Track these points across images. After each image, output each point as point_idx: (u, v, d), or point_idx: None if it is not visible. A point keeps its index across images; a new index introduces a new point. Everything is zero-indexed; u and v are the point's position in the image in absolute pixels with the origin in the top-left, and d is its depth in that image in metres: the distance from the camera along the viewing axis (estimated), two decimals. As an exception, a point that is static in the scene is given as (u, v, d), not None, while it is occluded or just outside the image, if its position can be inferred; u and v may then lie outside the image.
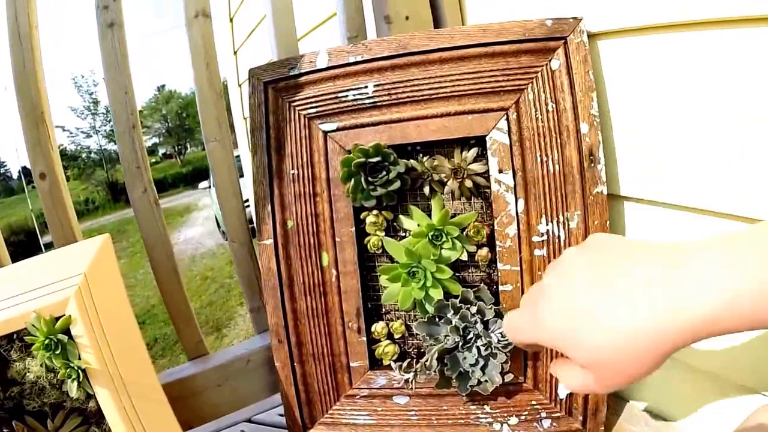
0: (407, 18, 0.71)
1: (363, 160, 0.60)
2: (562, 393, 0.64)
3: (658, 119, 0.58)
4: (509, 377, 0.64)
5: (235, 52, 2.31)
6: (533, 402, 0.65)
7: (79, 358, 0.54)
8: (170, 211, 9.50)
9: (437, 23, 0.74)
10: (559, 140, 0.60)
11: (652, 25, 0.55)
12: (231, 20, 2.31)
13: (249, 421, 0.78)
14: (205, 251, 6.12)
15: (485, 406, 0.65)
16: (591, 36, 0.62)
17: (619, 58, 0.60)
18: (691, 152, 0.56)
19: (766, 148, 0.49)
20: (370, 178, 0.60)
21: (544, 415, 0.65)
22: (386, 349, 0.65)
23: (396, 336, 0.66)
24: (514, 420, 0.65)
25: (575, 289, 0.31)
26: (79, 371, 0.54)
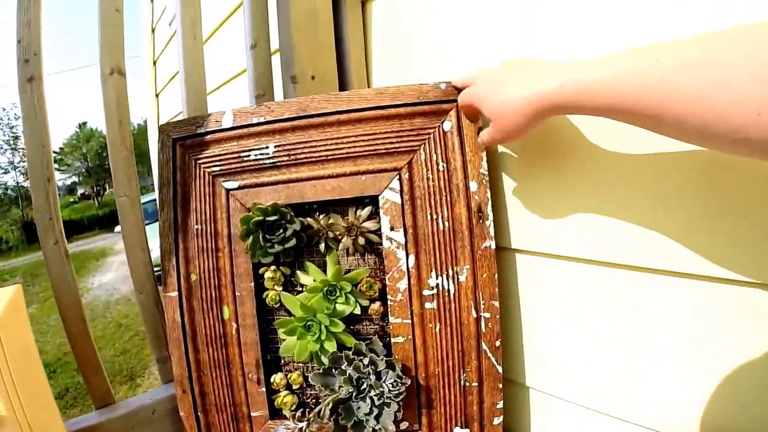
0: (313, 78, 0.75)
1: (261, 218, 0.62)
2: (459, 439, 0.67)
3: (544, 175, 0.62)
4: (404, 425, 0.67)
5: (157, 95, 2.31)
6: (430, 449, 0.67)
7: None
8: (85, 255, 9.25)
9: (343, 84, 0.78)
10: (449, 198, 0.64)
11: None
12: (154, 63, 2.32)
13: (159, 470, 0.78)
14: (119, 297, 5.89)
15: (384, 454, 0.67)
16: (482, 99, 0.67)
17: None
18: (574, 207, 0.60)
19: (641, 203, 0.54)
20: (267, 236, 0.63)
21: (441, 461, 0.67)
22: (285, 399, 0.67)
23: (295, 387, 0.68)
24: (413, 467, 0.67)
25: (497, 77, 0.50)
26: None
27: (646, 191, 0.54)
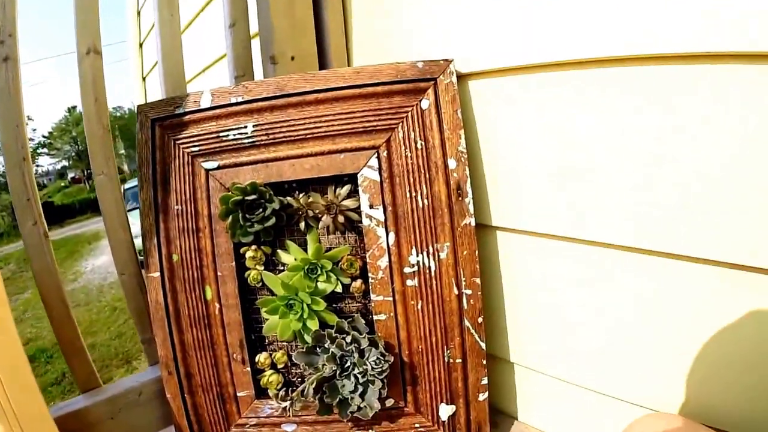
0: (293, 58, 0.74)
1: (240, 197, 0.62)
2: (444, 415, 0.67)
3: (524, 154, 0.62)
4: (390, 402, 0.67)
5: (144, 78, 2.28)
6: (416, 425, 0.68)
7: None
8: (78, 239, 9.09)
9: (323, 64, 0.77)
10: (428, 176, 0.64)
11: (518, 66, 0.60)
12: (141, 46, 2.28)
13: (147, 453, 0.78)
14: (113, 281, 5.83)
15: (370, 431, 0.68)
16: (462, 76, 0.66)
17: (489, 97, 0.65)
18: (552, 185, 0.60)
19: (616, 179, 0.54)
20: (247, 215, 0.63)
21: (427, 437, 0.68)
22: (270, 379, 0.67)
23: (279, 366, 0.68)
24: (398, 443, 0.67)
25: None
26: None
27: (627, 171, 0.54)
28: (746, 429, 0.50)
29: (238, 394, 0.69)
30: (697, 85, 0.47)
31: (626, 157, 0.53)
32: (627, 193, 0.54)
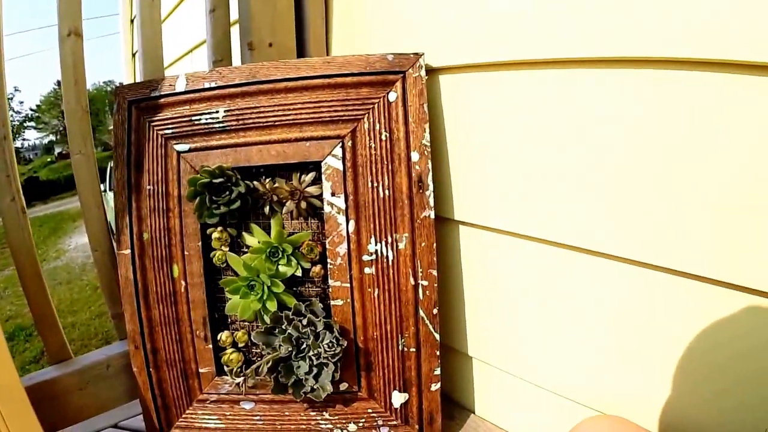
0: (270, 45, 0.76)
1: (208, 180, 0.64)
2: (397, 402, 0.69)
3: (490, 151, 0.63)
4: (344, 386, 0.69)
5: (134, 55, 2.27)
6: (369, 410, 0.70)
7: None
8: (62, 216, 8.79)
9: (301, 53, 0.79)
10: (390, 167, 0.65)
11: (488, 63, 0.62)
12: (132, 21, 2.26)
13: (115, 426, 0.81)
14: None
15: (324, 413, 0.70)
16: (433, 71, 0.68)
17: (458, 92, 0.66)
18: (517, 183, 0.62)
19: (580, 181, 0.55)
20: (214, 197, 0.65)
21: (380, 422, 0.69)
22: (231, 357, 0.69)
23: (240, 345, 0.71)
24: (353, 427, 0.69)
25: None
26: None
27: (590, 170, 0.54)
28: None
29: (200, 371, 0.71)
30: (663, 88, 0.47)
31: (596, 157, 0.54)
32: (594, 195, 0.54)
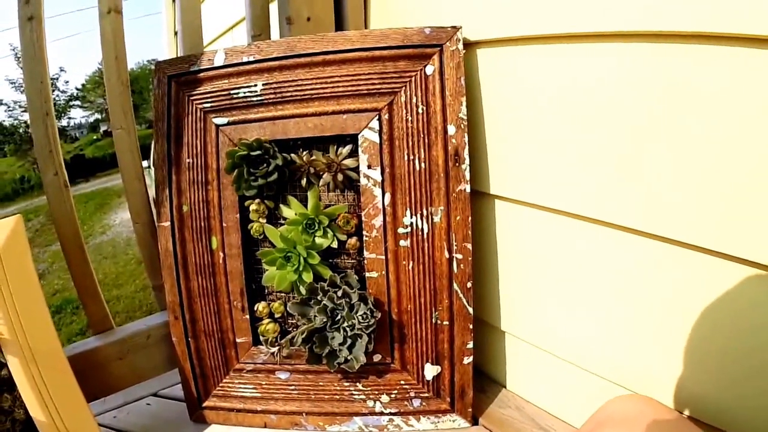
0: (309, 19, 0.76)
1: (246, 152, 0.65)
2: (429, 375, 0.70)
3: (527, 125, 0.63)
4: (377, 358, 0.70)
5: (176, 34, 2.31)
6: (402, 382, 0.70)
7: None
8: (108, 192, 8.87)
9: (339, 26, 0.79)
10: (427, 140, 0.66)
11: (527, 36, 0.61)
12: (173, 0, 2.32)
13: (155, 395, 0.83)
14: None
15: (358, 384, 0.71)
16: (470, 44, 0.67)
17: (496, 66, 0.65)
18: (554, 158, 0.61)
19: (617, 157, 0.54)
20: (251, 170, 0.66)
21: (413, 394, 0.70)
22: (267, 327, 0.71)
23: (277, 315, 0.72)
24: (385, 398, 0.70)
25: None
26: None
27: (633, 150, 0.53)
28: (722, 418, 0.51)
29: (237, 340, 0.73)
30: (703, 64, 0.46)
31: (635, 134, 0.52)
32: (632, 172, 0.53)
